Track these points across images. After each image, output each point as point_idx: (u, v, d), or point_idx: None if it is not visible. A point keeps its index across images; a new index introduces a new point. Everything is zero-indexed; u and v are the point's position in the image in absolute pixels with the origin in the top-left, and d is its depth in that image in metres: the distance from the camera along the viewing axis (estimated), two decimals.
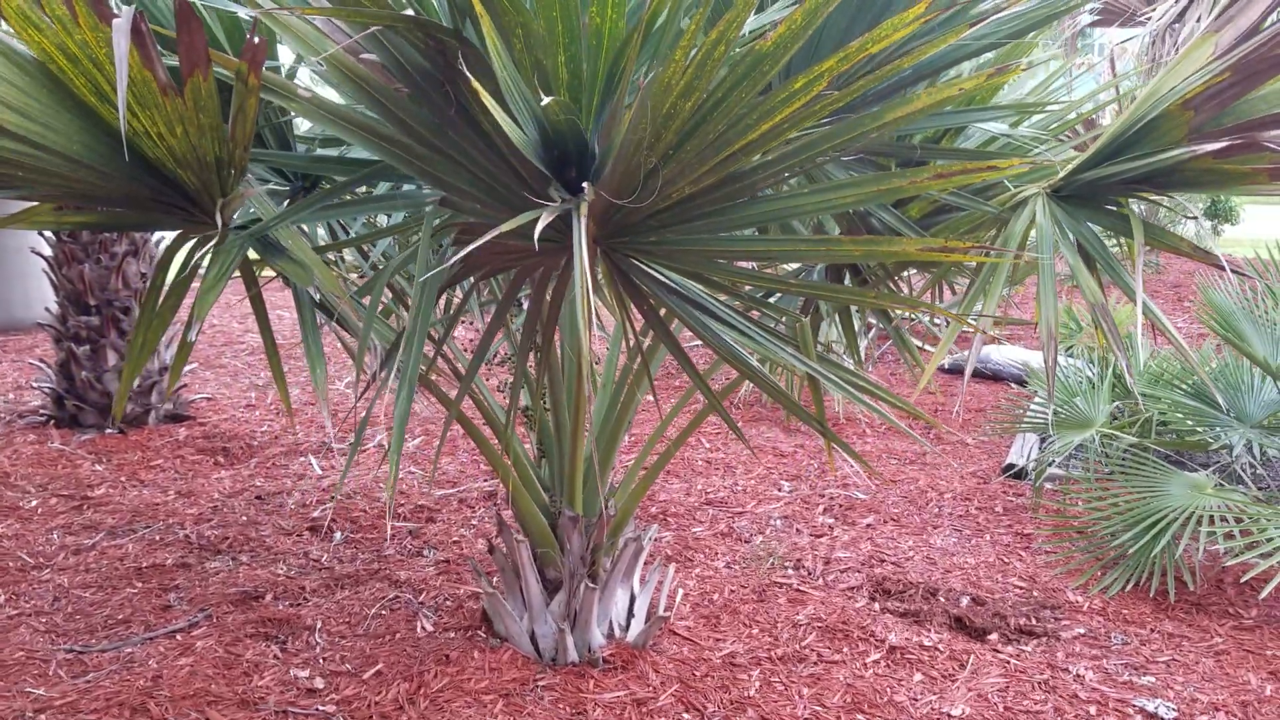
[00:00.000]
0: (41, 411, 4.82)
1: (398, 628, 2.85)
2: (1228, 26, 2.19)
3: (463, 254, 1.52)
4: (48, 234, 4.72)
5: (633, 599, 2.81)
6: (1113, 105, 2.96)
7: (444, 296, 3.00)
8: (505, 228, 1.41)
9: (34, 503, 3.78)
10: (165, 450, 4.42)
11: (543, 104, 1.37)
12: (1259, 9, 2.16)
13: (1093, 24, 7.53)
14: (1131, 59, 5.87)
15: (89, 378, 4.67)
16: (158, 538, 3.49)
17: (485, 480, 4.14)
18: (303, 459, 4.35)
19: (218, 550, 3.41)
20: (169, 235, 2.19)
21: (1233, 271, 1.90)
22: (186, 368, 5.86)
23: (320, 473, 4.19)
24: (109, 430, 4.64)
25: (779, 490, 4.15)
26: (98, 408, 4.69)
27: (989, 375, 6.06)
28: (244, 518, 3.68)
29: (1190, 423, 3.69)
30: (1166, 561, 3.16)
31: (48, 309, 4.86)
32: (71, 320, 4.69)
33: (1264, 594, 3.08)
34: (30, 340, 6.68)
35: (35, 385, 4.92)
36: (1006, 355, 6.08)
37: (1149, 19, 5.93)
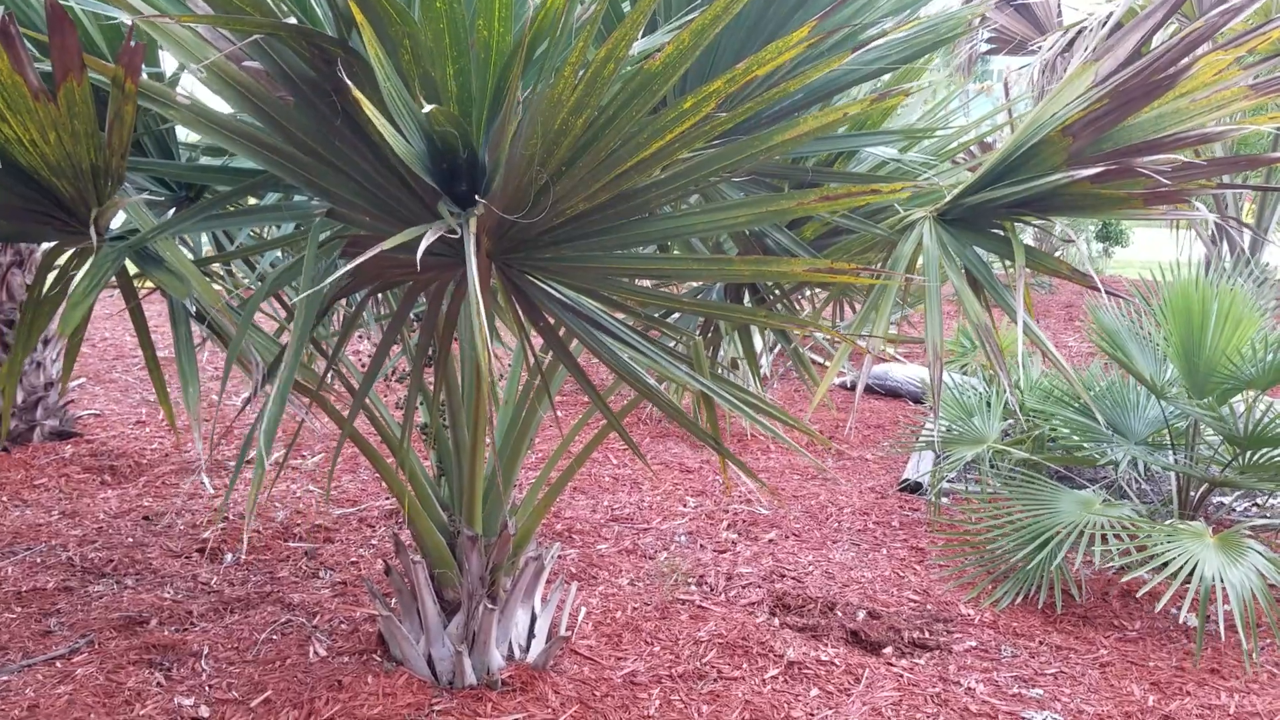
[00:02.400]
0: None
1: (289, 653, 2.76)
2: (1107, 56, 2.28)
3: (348, 268, 1.49)
4: None
5: (534, 619, 2.78)
6: (1004, 129, 3.05)
7: (340, 311, 2.94)
8: (389, 244, 1.38)
9: None
10: (50, 469, 4.24)
11: (425, 110, 1.35)
12: (1136, 38, 2.24)
13: (987, 52, 7.79)
14: (1026, 85, 6.08)
15: None
16: (39, 560, 3.35)
17: (387, 498, 4.06)
18: (194, 477, 4.22)
19: (102, 573, 3.28)
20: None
21: (1108, 293, 1.96)
22: (75, 382, 5.64)
23: (212, 492, 4.06)
24: None
25: (684, 506, 4.16)
26: None
27: (888, 392, 6.18)
28: (130, 539, 3.54)
29: (1078, 439, 3.81)
30: (1055, 575, 3.25)
31: None
32: None
33: (1158, 606, 3.19)
34: None
35: None
36: (905, 373, 6.20)
37: (1040, 48, 6.15)
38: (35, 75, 1.63)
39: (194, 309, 1.81)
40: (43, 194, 1.87)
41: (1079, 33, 6.01)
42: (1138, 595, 3.27)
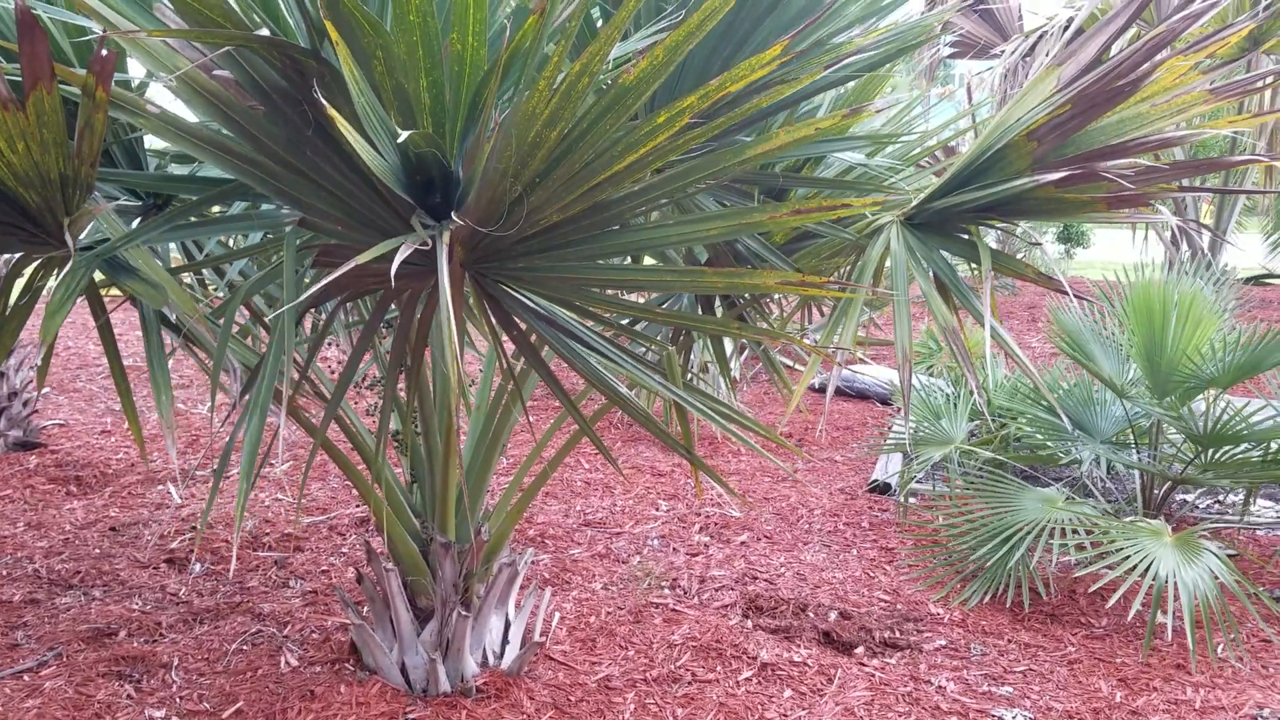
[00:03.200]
0: None
1: (260, 663, 2.75)
2: (1070, 60, 2.32)
3: (326, 282, 1.48)
4: None
5: (507, 625, 2.78)
6: (968, 134, 3.09)
7: (309, 317, 2.93)
8: (364, 258, 1.38)
9: None
10: (14, 480, 4.18)
11: (401, 138, 1.36)
12: (1098, 43, 2.28)
13: (951, 55, 7.88)
14: (988, 89, 6.16)
15: None
16: (5, 572, 3.30)
17: (357, 506, 4.04)
18: (161, 487, 4.17)
19: (69, 585, 3.24)
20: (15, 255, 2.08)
21: (1076, 296, 2.00)
22: (39, 392, 5.56)
23: (180, 502, 4.02)
24: None
25: (656, 510, 4.18)
26: None
27: (857, 394, 6.23)
28: (97, 550, 3.51)
29: (1043, 438, 3.86)
30: (1021, 573, 3.29)
31: None
32: None
33: (1110, 603, 3.24)
34: None
35: None
36: (873, 375, 6.25)
37: (1002, 52, 6.23)
38: (4, 84, 1.61)
39: (173, 316, 1.80)
40: (9, 204, 1.85)
41: (1040, 37, 6.10)
42: (1095, 590, 3.31)
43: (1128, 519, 3.32)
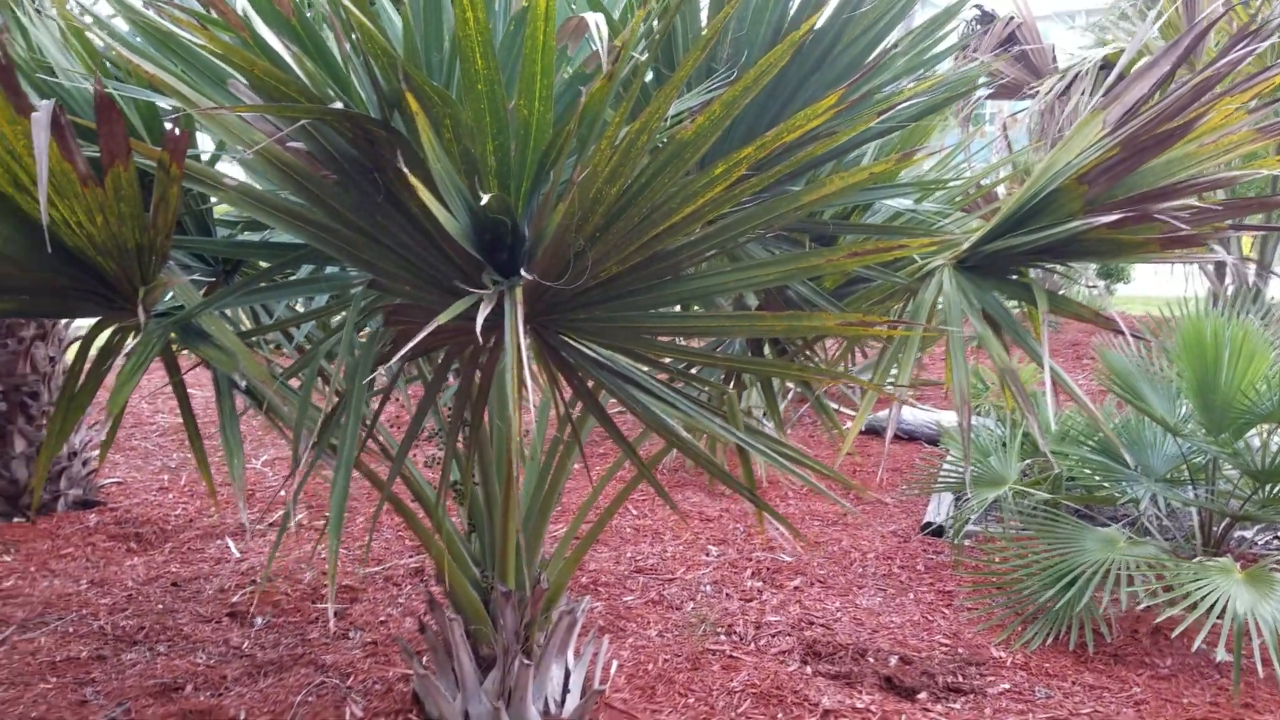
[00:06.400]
0: None
1: (325, 714, 2.78)
2: (1115, 103, 2.34)
3: (413, 343, 1.53)
4: None
5: (568, 673, 2.79)
6: (1006, 175, 3.11)
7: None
8: (444, 318, 1.43)
9: None
10: (75, 538, 4.27)
11: (482, 202, 1.41)
12: (1143, 87, 2.31)
13: (987, 97, 7.91)
14: (1023, 129, 6.19)
15: None
16: (71, 630, 3.37)
17: (411, 556, 4.08)
18: (220, 542, 4.24)
19: (134, 641, 3.29)
20: (85, 319, 2.16)
21: (1133, 335, 2.00)
22: (95, 452, 5.68)
23: (239, 556, 4.08)
24: (16, 519, 4.47)
25: (707, 555, 4.18)
26: (4, 495, 4.51)
27: (903, 435, 6.20)
28: (160, 606, 3.57)
29: (1098, 478, 3.83)
30: (1084, 615, 3.25)
31: None
32: None
33: (1195, 646, 3.19)
34: None
35: None
36: (920, 416, 6.23)
37: (1037, 92, 6.25)
38: (84, 162, 1.69)
39: (243, 383, 1.86)
40: (87, 272, 1.93)
41: (1075, 77, 6.12)
42: (1171, 634, 3.26)
43: (1193, 559, 3.28)
